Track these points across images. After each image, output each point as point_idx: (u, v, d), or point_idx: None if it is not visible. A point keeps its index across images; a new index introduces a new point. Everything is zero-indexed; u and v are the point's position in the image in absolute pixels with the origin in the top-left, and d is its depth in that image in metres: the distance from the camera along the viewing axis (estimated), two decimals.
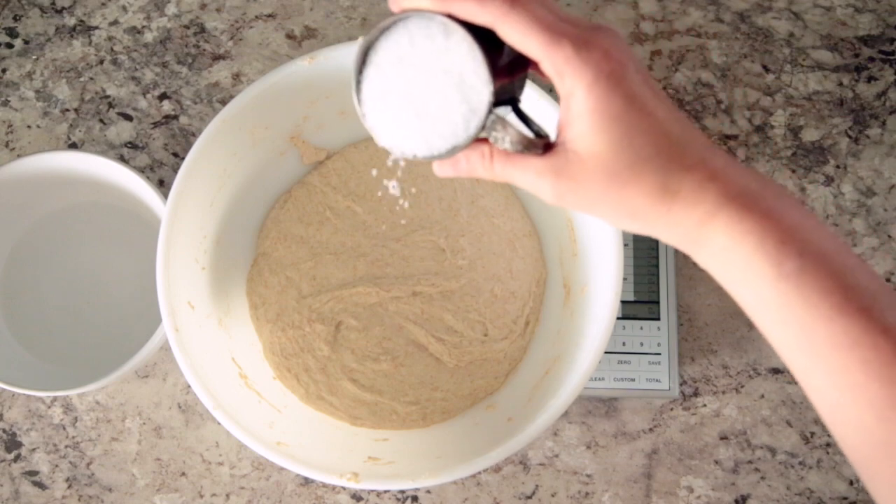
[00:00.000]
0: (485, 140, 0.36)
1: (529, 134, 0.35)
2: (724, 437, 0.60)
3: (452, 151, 0.35)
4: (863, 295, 0.31)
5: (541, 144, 0.35)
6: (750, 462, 0.60)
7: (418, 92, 0.34)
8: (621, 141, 0.32)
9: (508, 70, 0.35)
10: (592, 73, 0.32)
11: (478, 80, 0.33)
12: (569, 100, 0.33)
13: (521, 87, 0.37)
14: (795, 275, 0.31)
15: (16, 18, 0.70)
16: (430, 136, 0.35)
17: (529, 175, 0.35)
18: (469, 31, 0.33)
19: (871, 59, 0.67)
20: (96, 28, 0.69)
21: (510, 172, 0.36)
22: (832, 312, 0.31)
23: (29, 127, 0.67)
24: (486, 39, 0.33)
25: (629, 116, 0.32)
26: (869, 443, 0.31)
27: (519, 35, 0.32)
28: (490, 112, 0.33)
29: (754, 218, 0.32)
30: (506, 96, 0.35)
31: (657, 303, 0.61)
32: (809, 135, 0.65)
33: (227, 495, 0.61)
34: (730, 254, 0.32)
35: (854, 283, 0.31)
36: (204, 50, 0.68)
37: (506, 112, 0.36)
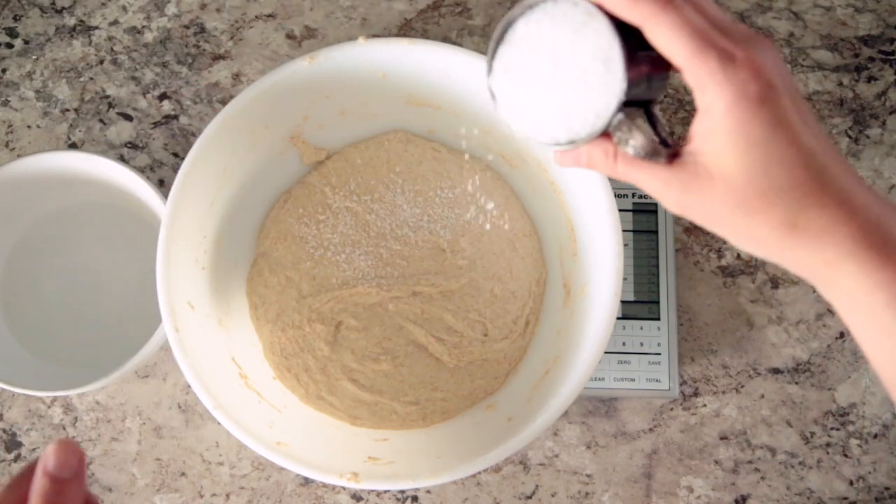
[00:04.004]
0: (610, 136, 0.34)
1: (655, 139, 0.34)
2: (724, 437, 0.60)
3: (572, 144, 0.34)
4: None
5: (666, 154, 0.33)
6: (750, 462, 0.60)
7: (549, 78, 0.33)
8: (755, 168, 0.31)
9: (646, 71, 0.33)
10: (735, 93, 0.30)
11: (611, 77, 0.32)
12: (706, 114, 0.31)
13: (659, 90, 0.35)
14: None
15: (16, 18, 0.70)
16: (554, 125, 0.34)
17: (655, 182, 0.34)
18: (613, 24, 0.31)
19: (871, 59, 0.67)
20: (96, 28, 0.69)
21: (634, 175, 0.35)
22: None
23: (29, 127, 0.67)
24: (628, 35, 0.32)
25: (769, 144, 0.30)
26: None
27: (666, 39, 0.31)
28: (618, 111, 0.32)
29: (888, 270, 0.30)
30: (640, 97, 0.34)
31: (657, 303, 0.60)
32: None
33: (227, 495, 0.61)
34: (856, 300, 0.31)
35: None
36: (204, 50, 0.68)
37: (637, 113, 0.34)
